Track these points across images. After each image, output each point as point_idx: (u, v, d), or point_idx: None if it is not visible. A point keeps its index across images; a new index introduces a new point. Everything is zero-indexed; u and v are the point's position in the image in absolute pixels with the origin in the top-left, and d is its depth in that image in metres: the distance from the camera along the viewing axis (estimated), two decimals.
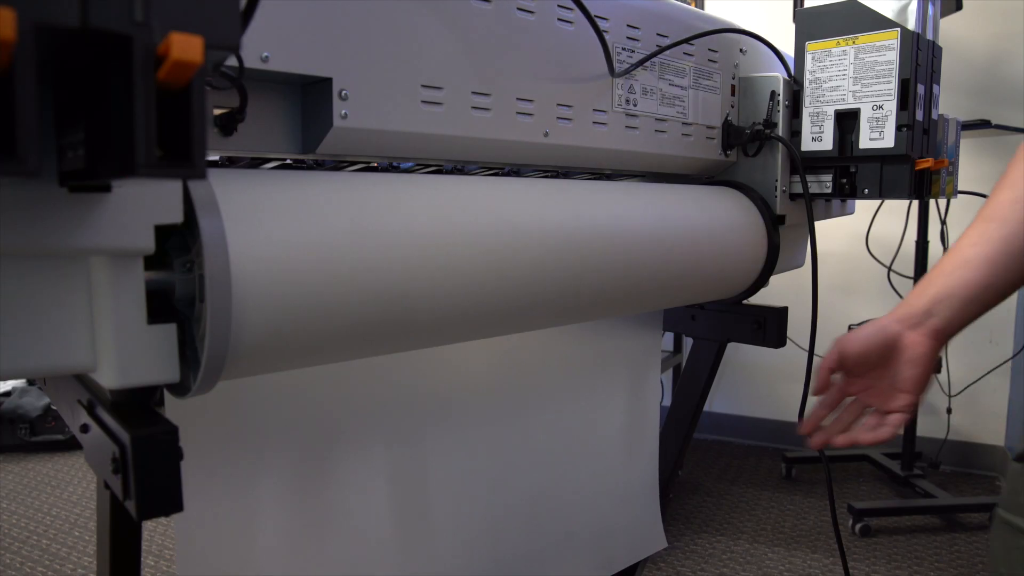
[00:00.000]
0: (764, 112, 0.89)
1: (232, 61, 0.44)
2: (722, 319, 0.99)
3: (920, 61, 0.85)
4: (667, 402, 2.87)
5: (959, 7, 1.86)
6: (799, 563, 1.89)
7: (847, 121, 0.88)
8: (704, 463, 2.60)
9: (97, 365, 0.41)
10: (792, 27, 0.92)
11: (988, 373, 2.37)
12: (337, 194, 0.48)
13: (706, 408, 1.30)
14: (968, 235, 0.62)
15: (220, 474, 0.55)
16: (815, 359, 0.67)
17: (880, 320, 0.62)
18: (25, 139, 0.24)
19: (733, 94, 0.89)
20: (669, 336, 2.59)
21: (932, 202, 2.20)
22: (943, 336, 0.61)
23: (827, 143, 0.89)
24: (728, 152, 0.90)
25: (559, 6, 0.66)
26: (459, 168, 0.74)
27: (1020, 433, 0.69)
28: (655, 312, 0.95)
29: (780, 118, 0.89)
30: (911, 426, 2.27)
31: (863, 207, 2.16)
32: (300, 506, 0.59)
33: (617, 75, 0.72)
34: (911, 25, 0.85)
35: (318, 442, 0.60)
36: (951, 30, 2.16)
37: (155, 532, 2.07)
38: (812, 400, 0.66)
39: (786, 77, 0.91)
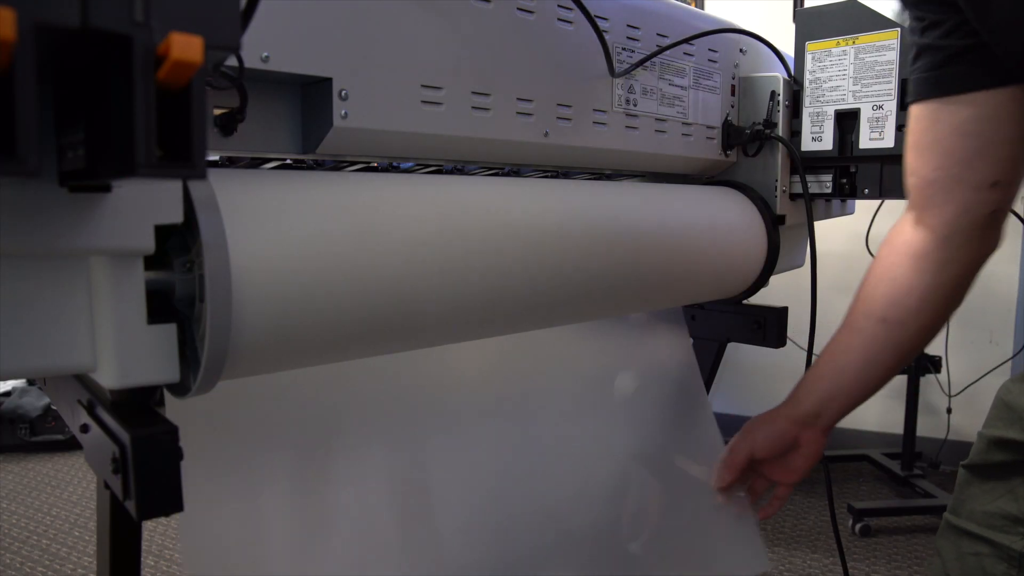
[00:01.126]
0: (764, 112, 0.89)
1: (232, 61, 0.44)
2: (722, 319, 0.99)
3: None
4: None
5: None
6: (799, 563, 1.89)
7: (847, 121, 0.88)
8: None
9: (97, 365, 0.41)
10: (792, 27, 0.92)
11: (988, 373, 2.37)
12: (337, 194, 0.48)
13: None
14: (838, 341, 0.75)
15: (223, 473, 0.55)
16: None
17: (778, 423, 0.74)
18: (25, 139, 0.24)
19: (733, 94, 0.89)
20: None
21: None
22: (829, 430, 0.75)
23: (827, 143, 0.89)
24: (728, 152, 0.90)
25: (559, 6, 0.66)
26: (459, 168, 0.74)
27: (977, 445, 0.74)
28: (674, 309, 0.96)
29: (780, 118, 0.89)
30: (911, 426, 2.27)
31: (863, 207, 2.15)
32: (305, 505, 0.59)
33: (617, 75, 0.72)
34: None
35: (322, 440, 0.60)
36: None
37: (155, 532, 2.07)
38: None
39: (786, 77, 0.91)
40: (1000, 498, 0.69)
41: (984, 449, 0.72)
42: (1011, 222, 0.69)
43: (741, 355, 2.73)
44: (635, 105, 0.76)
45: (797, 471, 0.75)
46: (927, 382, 2.37)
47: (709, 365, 1.12)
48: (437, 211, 0.53)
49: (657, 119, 0.79)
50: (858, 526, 2.03)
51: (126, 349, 0.40)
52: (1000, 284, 2.39)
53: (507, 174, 0.78)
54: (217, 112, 0.49)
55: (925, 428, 2.41)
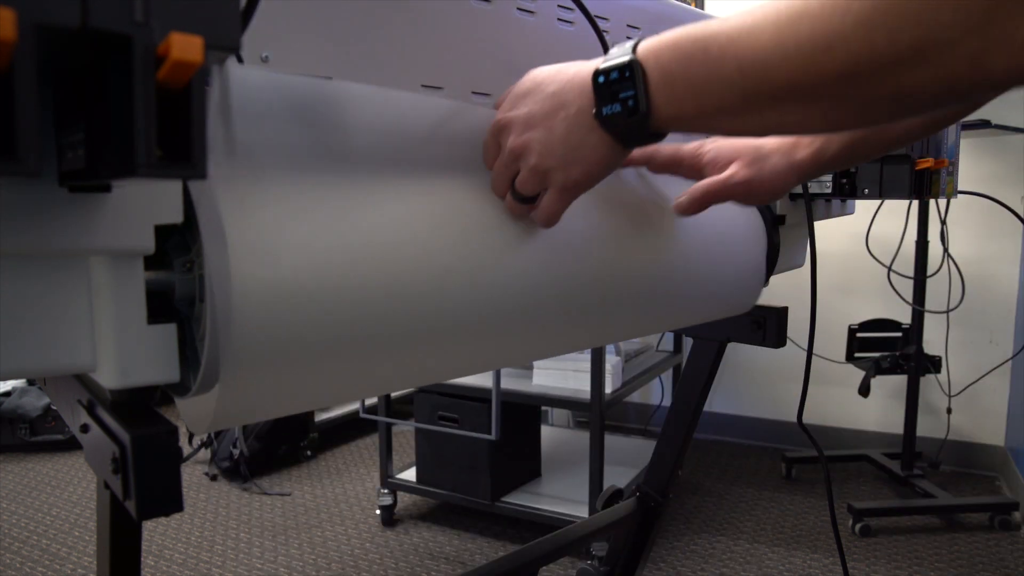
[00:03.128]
0: None
1: (232, 61, 0.44)
2: (722, 319, 0.99)
3: None
4: (667, 402, 2.87)
5: None
6: (799, 563, 1.89)
7: None
8: (704, 463, 2.60)
9: (97, 365, 0.41)
10: None
11: (988, 373, 2.37)
12: (339, 192, 0.48)
13: (706, 408, 1.30)
14: None
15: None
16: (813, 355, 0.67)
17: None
18: (25, 139, 0.24)
19: None
20: (669, 336, 2.59)
21: (932, 202, 2.20)
22: (803, 171, 0.66)
23: None
24: None
25: (559, 6, 0.66)
26: None
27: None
28: None
29: None
30: (911, 426, 2.27)
31: (863, 207, 2.16)
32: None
33: None
34: None
35: None
36: None
37: (155, 532, 2.07)
38: (810, 399, 0.67)
39: None
40: None
41: None
42: (1011, 222, 0.69)
43: (741, 355, 2.74)
44: None
45: (739, 185, 0.64)
46: (927, 382, 2.37)
47: (709, 365, 1.12)
48: (440, 211, 0.53)
49: None
50: (858, 526, 2.03)
51: (126, 349, 0.40)
52: (1000, 284, 2.39)
53: None
54: None
55: (925, 428, 2.41)
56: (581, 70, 0.50)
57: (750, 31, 0.43)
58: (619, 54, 0.48)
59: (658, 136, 0.50)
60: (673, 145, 0.67)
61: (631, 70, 0.47)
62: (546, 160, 0.51)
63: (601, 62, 0.48)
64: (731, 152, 0.65)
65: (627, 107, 0.47)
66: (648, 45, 0.47)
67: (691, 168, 0.67)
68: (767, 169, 0.64)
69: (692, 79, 0.45)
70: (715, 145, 0.66)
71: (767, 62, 0.42)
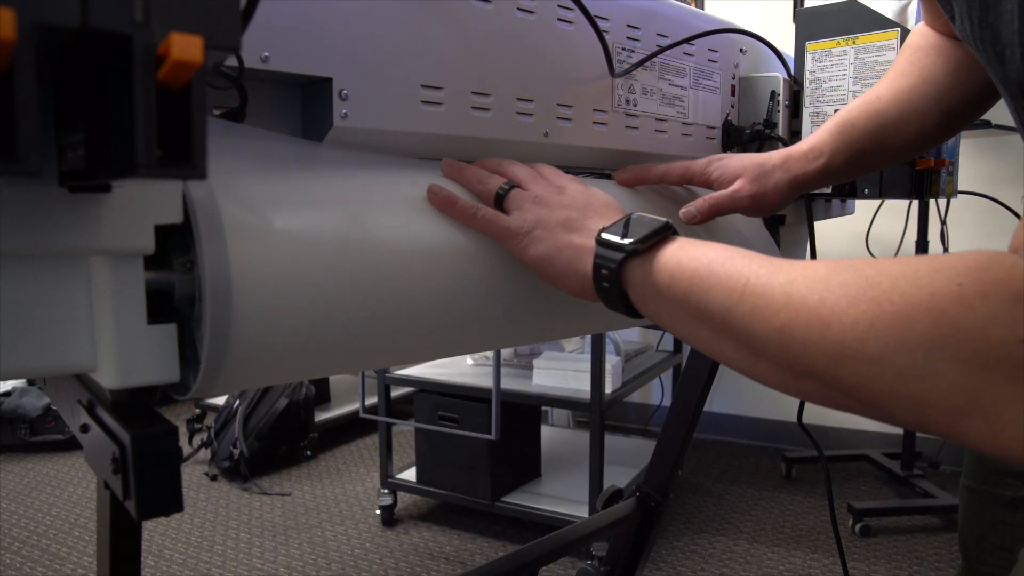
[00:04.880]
0: (764, 112, 0.89)
1: (232, 61, 0.44)
2: None
3: None
4: (667, 402, 2.87)
5: None
6: (799, 563, 1.89)
7: None
8: (704, 463, 2.60)
9: (97, 365, 0.41)
10: (792, 27, 0.92)
11: None
12: (340, 191, 0.48)
13: (706, 408, 1.30)
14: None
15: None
16: None
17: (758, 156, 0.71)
18: (25, 139, 0.24)
19: (733, 94, 0.89)
20: (669, 336, 2.59)
21: (932, 202, 2.20)
22: (800, 185, 0.70)
23: None
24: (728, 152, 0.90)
25: (559, 6, 0.66)
26: None
27: None
28: None
29: (780, 118, 0.89)
30: None
31: (863, 207, 2.15)
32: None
33: (617, 75, 0.72)
34: (911, 25, 0.85)
35: None
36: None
37: (155, 532, 2.07)
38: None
39: (786, 77, 0.91)
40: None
41: None
42: (1011, 222, 0.69)
43: None
44: (635, 105, 0.76)
45: (744, 199, 0.68)
46: None
47: (709, 365, 1.12)
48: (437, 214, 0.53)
49: (657, 119, 0.79)
50: (858, 526, 2.03)
51: (126, 349, 0.40)
52: None
53: None
54: (217, 112, 0.49)
55: None
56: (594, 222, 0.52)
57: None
58: (620, 244, 0.48)
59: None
60: (683, 163, 0.70)
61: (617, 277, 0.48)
62: (546, 213, 0.52)
63: (604, 234, 0.49)
64: (737, 168, 0.69)
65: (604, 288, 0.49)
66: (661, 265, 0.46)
67: (700, 185, 0.71)
68: (770, 184, 0.68)
69: (664, 311, 0.47)
70: (722, 163, 0.70)
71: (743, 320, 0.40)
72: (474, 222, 0.52)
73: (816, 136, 0.71)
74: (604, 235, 0.49)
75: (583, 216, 0.52)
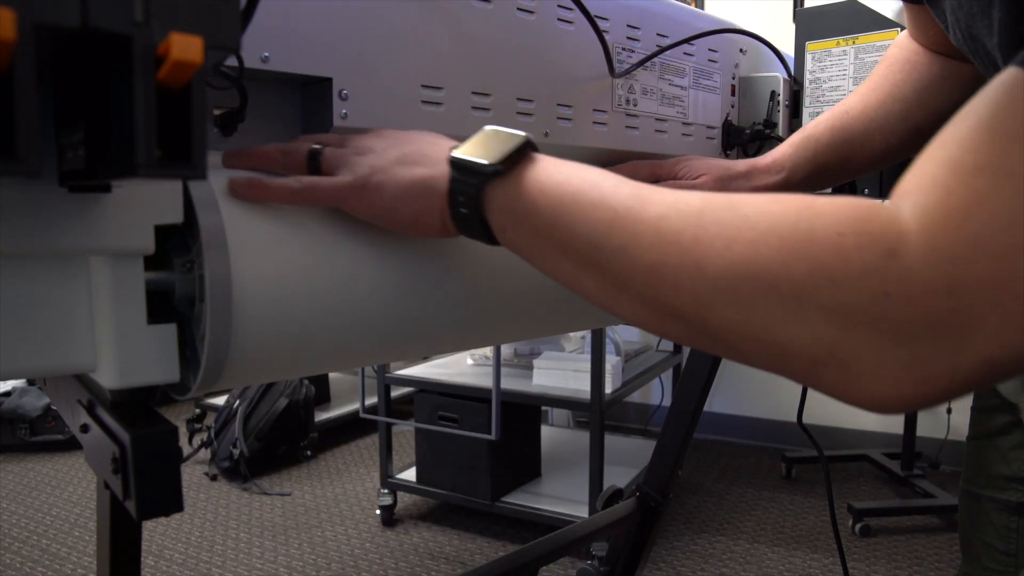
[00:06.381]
0: (764, 112, 0.89)
1: (232, 61, 0.44)
2: None
3: None
4: (667, 402, 2.87)
5: None
6: (799, 563, 1.89)
7: None
8: (704, 463, 2.60)
9: (97, 365, 0.41)
10: (792, 27, 0.92)
11: None
12: None
13: (706, 408, 1.30)
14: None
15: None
16: None
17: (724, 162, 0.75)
18: (25, 139, 0.24)
19: (733, 94, 0.90)
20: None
21: None
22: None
23: None
24: (728, 152, 0.90)
25: (559, 6, 0.66)
26: None
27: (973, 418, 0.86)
28: None
29: (780, 118, 0.89)
30: (911, 426, 2.27)
31: None
32: None
33: (617, 75, 0.72)
34: None
35: None
36: None
37: (155, 532, 2.07)
38: (810, 398, 0.74)
39: (786, 77, 0.91)
40: (995, 462, 0.83)
41: (975, 421, 0.85)
42: None
43: None
44: (635, 105, 0.76)
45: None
46: None
47: (709, 365, 1.12)
48: None
49: (657, 119, 0.79)
50: (858, 526, 2.03)
51: (126, 349, 0.40)
52: None
53: None
54: (217, 112, 0.49)
55: (925, 428, 2.41)
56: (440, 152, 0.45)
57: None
58: (482, 167, 0.42)
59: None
60: (652, 162, 0.75)
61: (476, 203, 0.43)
62: (377, 158, 0.46)
63: (458, 155, 0.43)
64: (703, 167, 0.73)
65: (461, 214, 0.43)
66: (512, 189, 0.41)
67: (667, 179, 0.75)
68: (731, 190, 0.71)
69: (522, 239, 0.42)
70: (689, 162, 0.74)
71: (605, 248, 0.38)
72: (300, 196, 0.45)
73: (780, 150, 0.74)
74: (458, 155, 0.43)
75: (417, 149, 0.46)
